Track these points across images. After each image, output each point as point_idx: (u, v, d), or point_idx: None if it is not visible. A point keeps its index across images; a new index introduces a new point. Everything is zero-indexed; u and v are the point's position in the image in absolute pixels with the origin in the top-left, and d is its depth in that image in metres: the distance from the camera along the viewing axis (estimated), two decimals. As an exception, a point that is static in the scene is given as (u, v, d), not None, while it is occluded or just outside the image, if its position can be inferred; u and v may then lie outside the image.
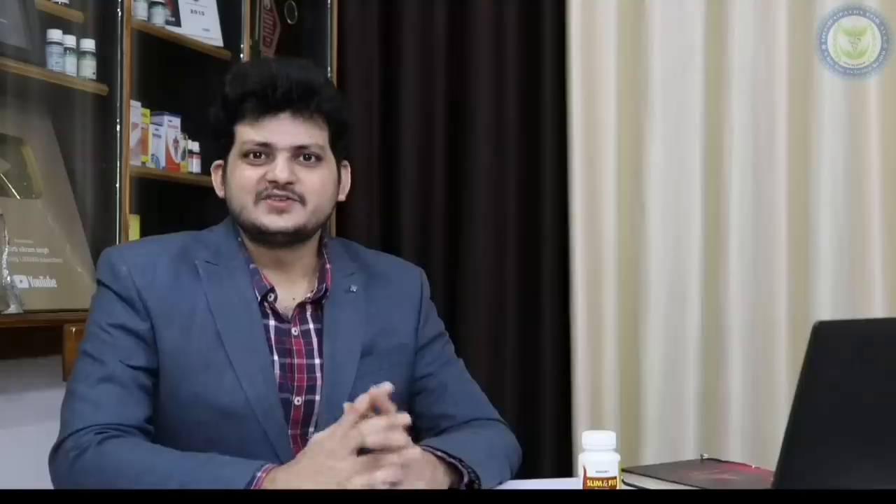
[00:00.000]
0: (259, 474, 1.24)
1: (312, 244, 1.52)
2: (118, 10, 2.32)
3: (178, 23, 2.64)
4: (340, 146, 1.52)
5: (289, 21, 3.03)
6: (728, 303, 2.69)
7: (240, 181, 1.46)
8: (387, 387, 1.29)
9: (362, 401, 1.27)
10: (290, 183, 1.43)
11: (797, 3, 2.71)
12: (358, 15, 2.99)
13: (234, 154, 1.47)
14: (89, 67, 2.32)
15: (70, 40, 2.30)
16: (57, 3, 2.31)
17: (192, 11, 2.68)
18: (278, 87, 1.43)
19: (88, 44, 2.32)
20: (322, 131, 1.47)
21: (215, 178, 1.53)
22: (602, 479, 1.22)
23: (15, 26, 2.18)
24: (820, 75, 2.67)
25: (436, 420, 1.55)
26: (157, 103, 2.57)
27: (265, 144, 1.44)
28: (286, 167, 1.43)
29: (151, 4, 2.50)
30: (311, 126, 1.46)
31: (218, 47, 2.71)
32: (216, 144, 1.52)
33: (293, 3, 3.04)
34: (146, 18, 2.48)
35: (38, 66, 2.23)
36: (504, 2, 2.91)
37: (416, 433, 1.53)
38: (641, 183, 2.77)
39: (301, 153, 1.45)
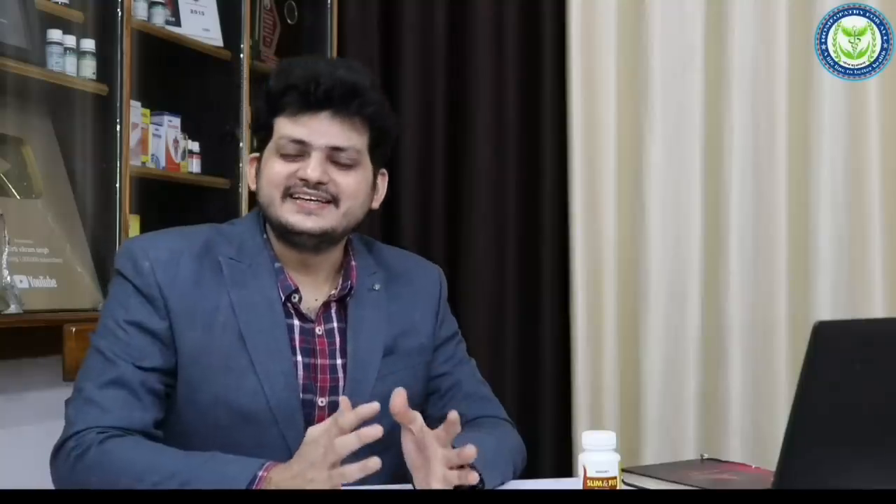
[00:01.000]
0: (260, 473, 1.24)
1: (339, 245, 1.50)
2: (118, 10, 2.32)
3: (178, 23, 2.64)
4: (380, 153, 1.49)
5: (289, 21, 3.03)
6: (728, 303, 2.69)
7: (270, 175, 1.43)
8: (401, 393, 1.25)
9: (367, 409, 1.21)
10: (321, 183, 1.40)
11: (797, 3, 2.71)
12: (358, 15, 2.98)
13: (270, 148, 1.44)
14: (89, 67, 2.32)
15: (70, 40, 2.30)
16: (57, 3, 2.31)
17: (192, 11, 2.68)
18: (321, 83, 1.39)
19: (88, 44, 2.32)
20: (361, 136, 1.44)
21: (250, 171, 1.50)
22: (602, 479, 1.22)
23: (15, 26, 2.18)
24: (820, 75, 2.66)
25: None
26: (157, 103, 2.57)
27: (300, 142, 1.41)
28: (319, 167, 1.40)
29: (151, 4, 2.51)
30: (350, 129, 1.42)
31: (218, 47, 2.71)
32: (256, 137, 1.50)
33: (293, 3, 3.05)
34: (146, 18, 2.48)
35: (38, 66, 2.23)
36: (504, 2, 2.91)
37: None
38: (641, 183, 2.77)
39: (336, 155, 1.42)
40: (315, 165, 1.40)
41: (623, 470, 1.43)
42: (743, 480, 1.46)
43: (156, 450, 1.32)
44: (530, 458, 1.60)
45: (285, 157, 1.42)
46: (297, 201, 1.41)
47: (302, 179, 1.40)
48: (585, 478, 1.23)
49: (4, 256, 2.06)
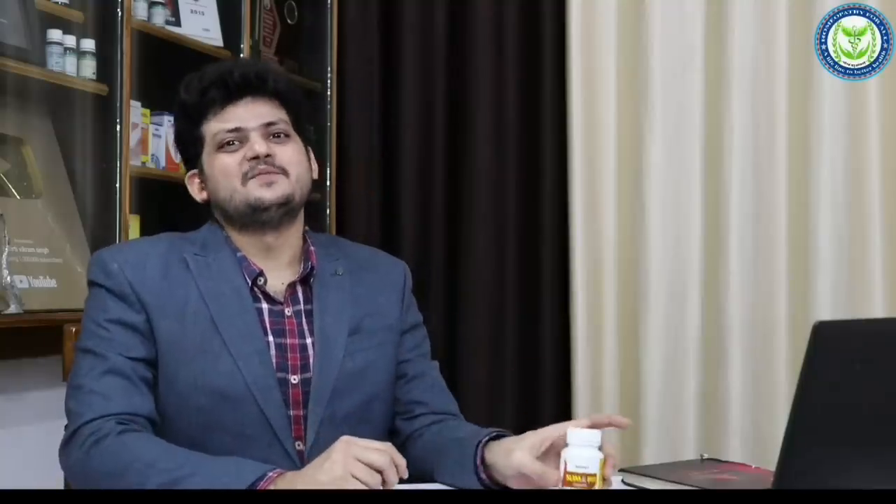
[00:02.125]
0: (271, 474, 1.25)
1: (298, 228, 1.55)
2: (118, 10, 2.32)
3: (178, 23, 2.63)
4: (301, 129, 1.57)
5: (289, 21, 3.03)
6: (728, 303, 2.69)
7: (222, 169, 1.50)
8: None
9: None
10: (269, 155, 1.48)
11: (797, 3, 2.70)
12: (358, 15, 2.99)
13: (207, 152, 1.52)
14: (89, 67, 2.32)
15: (70, 40, 2.30)
16: (57, 3, 2.31)
17: (192, 11, 2.67)
18: (235, 72, 1.51)
19: (88, 44, 2.32)
20: (282, 111, 1.53)
21: (192, 187, 1.57)
22: (581, 475, 1.22)
23: (15, 26, 2.18)
24: (820, 75, 2.66)
25: (410, 405, 1.58)
26: (157, 103, 2.56)
27: (236, 129, 1.49)
28: (262, 142, 1.48)
29: (151, 4, 2.50)
30: (272, 107, 1.52)
31: (218, 47, 2.70)
32: (185, 157, 1.58)
33: (293, 3, 3.04)
34: (146, 18, 2.48)
35: (38, 66, 2.23)
36: (504, 2, 2.91)
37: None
38: (641, 183, 2.77)
39: (271, 131, 1.50)
40: (259, 142, 1.48)
41: (623, 470, 1.43)
42: (743, 480, 1.46)
43: (169, 447, 1.35)
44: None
45: (227, 150, 1.50)
46: (258, 178, 1.48)
47: (252, 158, 1.48)
48: (565, 472, 1.23)
49: (4, 256, 2.06)
